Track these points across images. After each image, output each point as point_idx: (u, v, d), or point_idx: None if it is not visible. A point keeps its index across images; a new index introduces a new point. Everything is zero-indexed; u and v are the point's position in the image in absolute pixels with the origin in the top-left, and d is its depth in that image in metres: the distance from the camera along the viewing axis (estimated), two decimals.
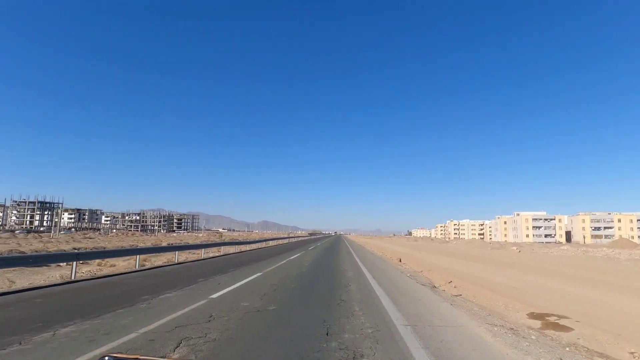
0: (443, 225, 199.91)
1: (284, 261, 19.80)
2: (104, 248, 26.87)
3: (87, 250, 23.07)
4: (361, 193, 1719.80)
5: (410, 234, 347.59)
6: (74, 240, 45.45)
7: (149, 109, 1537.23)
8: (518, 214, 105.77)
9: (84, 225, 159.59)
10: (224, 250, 25.92)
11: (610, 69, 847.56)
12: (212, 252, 24.80)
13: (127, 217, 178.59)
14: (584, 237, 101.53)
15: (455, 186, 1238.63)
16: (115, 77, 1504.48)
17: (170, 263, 17.17)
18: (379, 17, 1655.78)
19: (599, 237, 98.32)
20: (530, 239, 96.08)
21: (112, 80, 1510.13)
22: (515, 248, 52.73)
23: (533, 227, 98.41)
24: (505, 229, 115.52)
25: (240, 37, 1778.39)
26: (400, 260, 23.98)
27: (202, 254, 22.22)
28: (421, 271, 16.73)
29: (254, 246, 35.73)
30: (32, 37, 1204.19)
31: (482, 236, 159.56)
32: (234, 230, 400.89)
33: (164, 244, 34.16)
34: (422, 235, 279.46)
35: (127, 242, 43.15)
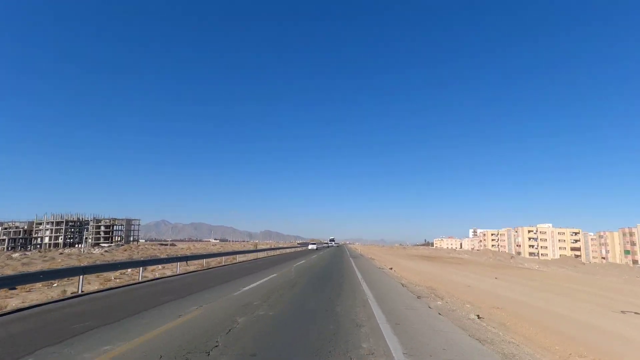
0: (495, 232, 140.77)
1: None
2: None
3: None
4: (364, 203, 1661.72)
5: (429, 244, 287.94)
6: None
7: (154, 122, 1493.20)
8: None
9: None
10: None
11: None
12: None
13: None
14: None
15: (476, 192, 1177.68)
16: (112, 89, 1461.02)
17: None
18: (393, 21, 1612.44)
19: None
20: None
21: (111, 87, 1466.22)
22: None
23: None
24: None
25: (242, 49, 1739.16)
26: None
27: None
28: None
29: None
30: None
31: (577, 253, 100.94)
32: (227, 241, 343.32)
33: None
34: (449, 247, 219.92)
35: None
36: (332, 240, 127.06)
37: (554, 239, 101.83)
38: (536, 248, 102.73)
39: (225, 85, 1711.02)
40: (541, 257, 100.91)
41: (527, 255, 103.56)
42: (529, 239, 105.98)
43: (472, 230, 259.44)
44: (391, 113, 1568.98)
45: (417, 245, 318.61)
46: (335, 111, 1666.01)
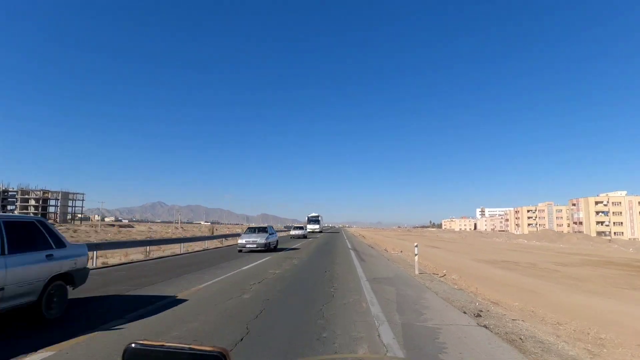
0: (533, 209, 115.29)
1: None
2: None
3: None
4: (361, 185, 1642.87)
5: (434, 226, 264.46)
6: None
7: (154, 106, 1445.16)
8: None
9: None
10: None
11: None
12: None
13: None
14: None
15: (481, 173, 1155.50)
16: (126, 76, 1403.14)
17: None
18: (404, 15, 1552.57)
19: None
20: None
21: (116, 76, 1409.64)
22: None
23: None
24: None
25: (240, 35, 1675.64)
26: None
27: None
28: None
29: None
30: None
31: None
32: (218, 223, 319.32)
33: None
34: (461, 228, 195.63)
35: None
36: (314, 220, 55.02)
37: (632, 210, 76.20)
38: (607, 225, 77.29)
39: (222, 73, 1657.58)
40: (614, 237, 75.50)
41: (594, 235, 78.03)
42: (597, 213, 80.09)
43: (479, 210, 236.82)
44: (390, 96, 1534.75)
45: (418, 227, 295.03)
46: (331, 94, 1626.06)
